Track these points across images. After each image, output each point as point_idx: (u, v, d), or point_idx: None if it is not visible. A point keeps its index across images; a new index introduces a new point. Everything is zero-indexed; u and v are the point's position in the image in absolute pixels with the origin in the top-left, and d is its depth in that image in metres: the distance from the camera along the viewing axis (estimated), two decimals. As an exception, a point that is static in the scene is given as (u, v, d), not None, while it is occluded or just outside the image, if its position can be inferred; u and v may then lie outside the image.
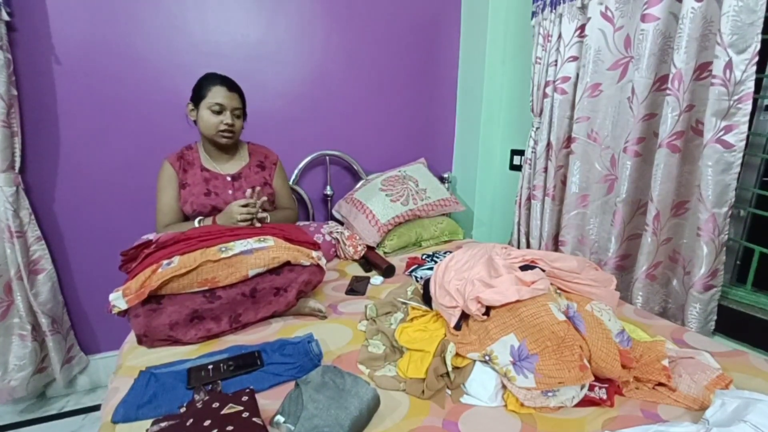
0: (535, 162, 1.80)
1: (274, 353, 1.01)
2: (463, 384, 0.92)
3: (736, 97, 1.09)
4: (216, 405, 0.76)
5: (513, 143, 2.12)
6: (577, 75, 1.57)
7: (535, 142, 1.80)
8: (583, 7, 1.51)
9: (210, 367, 0.95)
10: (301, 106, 1.98)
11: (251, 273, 1.15)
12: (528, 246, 1.91)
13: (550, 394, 0.84)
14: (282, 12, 1.85)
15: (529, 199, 1.87)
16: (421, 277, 1.49)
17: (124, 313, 1.08)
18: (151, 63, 1.68)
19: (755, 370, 0.96)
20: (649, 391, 0.90)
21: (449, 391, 0.91)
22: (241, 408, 0.75)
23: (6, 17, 1.40)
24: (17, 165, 1.50)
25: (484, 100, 2.13)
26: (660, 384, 0.90)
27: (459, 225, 2.12)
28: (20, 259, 1.50)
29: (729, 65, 1.08)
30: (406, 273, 1.61)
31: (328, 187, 2.08)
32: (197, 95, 1.38)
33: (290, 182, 1.93)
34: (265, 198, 1.38)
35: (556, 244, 1.77)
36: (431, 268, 1.54)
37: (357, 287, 1.46)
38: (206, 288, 1.11)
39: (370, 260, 1.69)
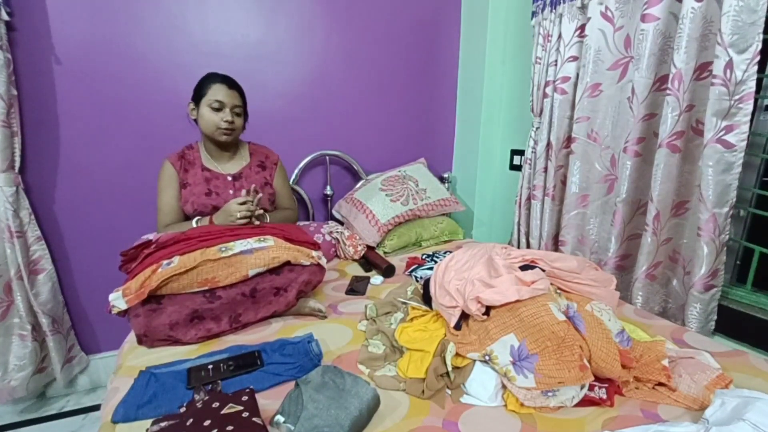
0: (535, 162, 1.80)
1: (274, 353, 1.01)
2: (463, 384, 0.92)
3: (737, 97, 1.09)
4: (216, 405, 0.76)
5: (513, 143, 2.12)
6: (577, 75, 1.57)
7: (535, 142, 1.80)
8: (583, 7, 1.51)
9: (210, 367, 0.95)
10: (301, 106, 1.98)
11: (251, 273, 1.15)
12: (528, 246, 1.91)
13: (550, 394, 0.84)
14: (282, 12, 1.85)
15: (529, 199, 1.87)
16: (421, 277, 1.49)
17: (124, 313, 1.08)
18: (151, 63, 1.68)
19: (755, 370, 0.96)
20: (649, 391, 0.90)
21: (449, 391, 0.91)
22: (241, 408, 0.75)
23: (6, 17, 1.40)
24: (17, 165, 1.50)
25: (484, 100, 2.13)
26: (660, 384, 0.90)
27: (459, 225, 2.12)
28: (20, 259, 1.50)
29: (729, 65, 1.08)
30: (406, 273, 1.61)
31: (328, 187, 2.08)
32: (198, 93, 1.38)
33: (290, 182, 1.93)
34: (260, 195, 1.38)
35: (556, 244, 1.77)
36: (431, 268, 1.54)
37: (357, 287, 1.46)
38: (206, 288, 1.11)
39: (370, 260, 1.69)
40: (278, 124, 1.95)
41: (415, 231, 1.95)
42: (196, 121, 1.42)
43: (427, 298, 1.19)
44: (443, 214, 2.13)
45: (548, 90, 1.68)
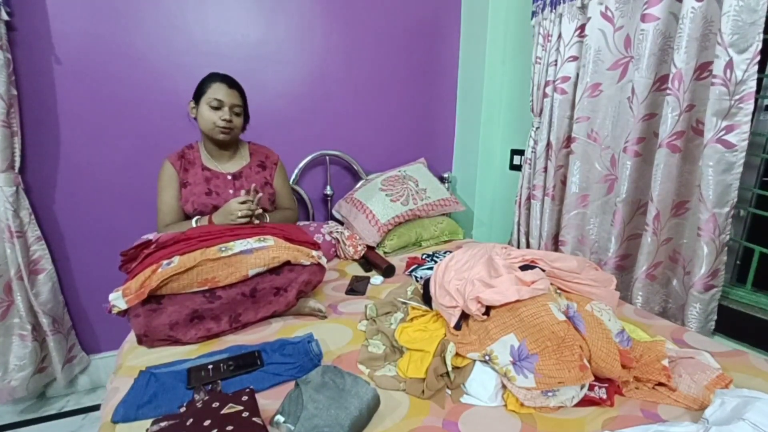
0: (535, 162, 1.80)
1: (274, 353, 1.01)
2: (463, 384, 0.92)
3: (737, 97, 1.09)
4: (216, 405, 0.76)
5: (513, 143, 2.12)
6: (577, 75, 1.56)
7: (535, 142, 1.80)
8: (583, 7, 1.50)
9: (210, 367, 0.95)
10: (301, 106, 1.98)
11: (251, 273, 1.15)
12: (528, 246, 1.90)
13: (550, 394, 0.84)
14: (282, 12, 1.85)
15: (529, 198, 1.87)
16: (421, 277, 1.49)
17: (124, 313, 1.08)
18: (151, 63, 1.68)
19: (755, 370, 0.96)
20: (649, 391, 0.90)
21: (449, 391, 0.91)
22: (241, 408, 0.75)
23: (6, 17, 1.40)
24: (17, 165, 1.50)
25: (484, 100, 2.13)
26: (660, 384, 0.90)
27: (459, 225, 2.12)
28: (20, 259, 1.50)
29: (730, 65, 1.08)
30: (406, 273, 1.61)
31: (328, 187, 2.08)
32: (198, 92, 1.39)
33: (290, 182, 1.93)
34: (261, 194, 1.38)
35: (556, 244, 1.77)
36: (431, 268, 1.54)
37: (357, 287, 1.46)
38: (206, 288, 1.11)
39: (370, 260, 1.69)
40: (278, 124, 1.95)
41: (415, 231, 1.95)
42: (196, 119, 1.42)
43: (427, 298, 1.19)
44: (443, 214, 2.13)
45: (548, 90, 1.68)
